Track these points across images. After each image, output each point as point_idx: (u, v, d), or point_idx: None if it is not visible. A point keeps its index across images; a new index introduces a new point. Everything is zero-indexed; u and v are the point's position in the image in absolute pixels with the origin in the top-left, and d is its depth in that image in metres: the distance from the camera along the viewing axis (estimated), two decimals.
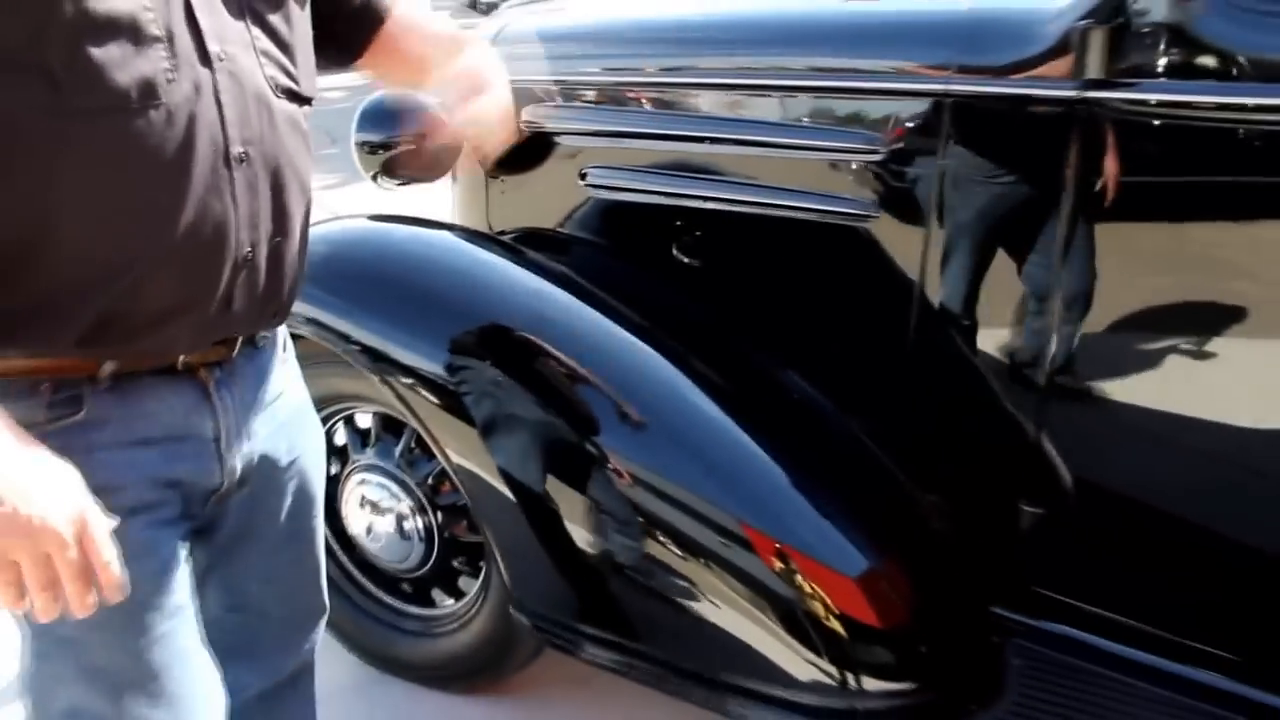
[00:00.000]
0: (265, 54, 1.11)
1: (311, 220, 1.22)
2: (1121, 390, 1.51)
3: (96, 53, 0.96)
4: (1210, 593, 1.56)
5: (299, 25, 1.17)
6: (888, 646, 1.68)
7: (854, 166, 1.72)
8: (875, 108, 1.69)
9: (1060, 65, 1.43)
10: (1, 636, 1.32)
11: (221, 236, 1.07)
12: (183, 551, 1.17)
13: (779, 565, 1.65)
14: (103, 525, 0.99)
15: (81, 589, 0.98)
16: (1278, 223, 1.36)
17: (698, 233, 2.02)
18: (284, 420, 1.29)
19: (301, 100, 1.16)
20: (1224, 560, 1.53)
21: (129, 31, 0.97)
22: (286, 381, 1.31)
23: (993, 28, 1.54)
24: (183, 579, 1.17)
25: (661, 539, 1.69)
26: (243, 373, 1.20)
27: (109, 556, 0.98)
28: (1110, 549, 1.63)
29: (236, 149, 1.06)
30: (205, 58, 1.03)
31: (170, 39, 1.00)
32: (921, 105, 1.61)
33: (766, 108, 1.86)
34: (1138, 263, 1.45)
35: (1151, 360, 1.48)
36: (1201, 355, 1.43)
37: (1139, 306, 1.47)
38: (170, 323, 1.08)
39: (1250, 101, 1.30)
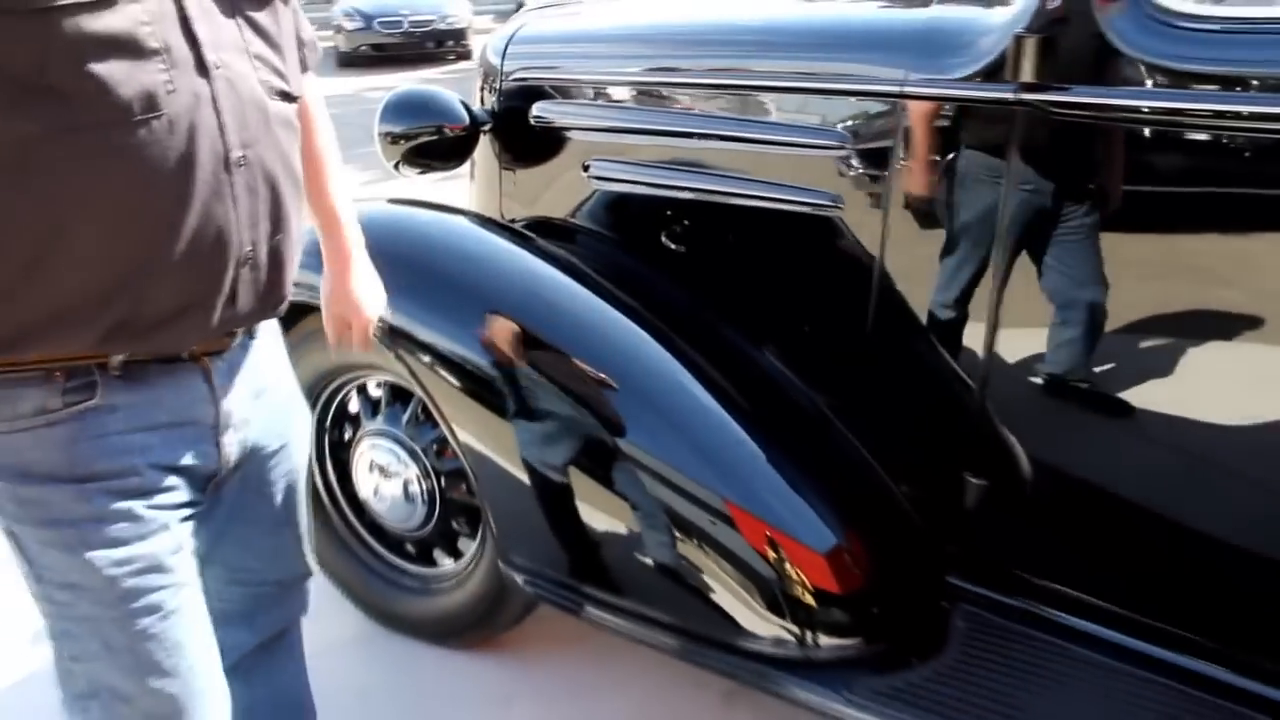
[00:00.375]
0: (258, 58, 1.14)
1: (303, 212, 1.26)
2: (1062, 368, 1.64)
3: (99, 69, 0.98)
4: (1146, 564, 1.67)
5: (285, 23, 1.21)
6: (844, 609, 1.81)
7: (824, 161, 1.85)
8: (842, 107, 1.83)
9: (1000, 70, 1.56)
10: (18, 620, 1.44)
11: (225, 238, 1.11)
12: (189, 532, 1.22)
13: (751, 536, 1.77)
14: None
15: None
16: (1185, 212, 1.48)
17: (687, 221, 2.17)
18: (276, 408, 1.34)
19: (292, 99, 1.20)
20: (1160, 532, 1.64)
21: (128, 47, 1.00)
22: (278, 371, 1.36)
23: (944, 36, 1.67)
24: (191, 559, 1.22)
25: (642, 504, 1.81)
26: (240, 362, 1.25)
27: None
28: (1053, 522, 1.75)
29: (236, 153, 1.10)
30: (203, 67, 1.06)
31: (169, 51, 1.03)
32: (882, 106, 1.75)
33: (748, 107, 2.01)
34: (1070, 245, 1.57)
35: (1089, 338, 1.60)
36: (1137, 332, 1.54)
37: (1074, 286, 1.59)
38: (180, 321, 1.12)
39: (1160, 105, 1.43)
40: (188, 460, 1.19)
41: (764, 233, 2.02)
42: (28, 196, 1.00)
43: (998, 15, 1.61)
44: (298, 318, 2.17)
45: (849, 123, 1.82)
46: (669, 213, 2.19)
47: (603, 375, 1.89)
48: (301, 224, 1.25)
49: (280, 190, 1.17)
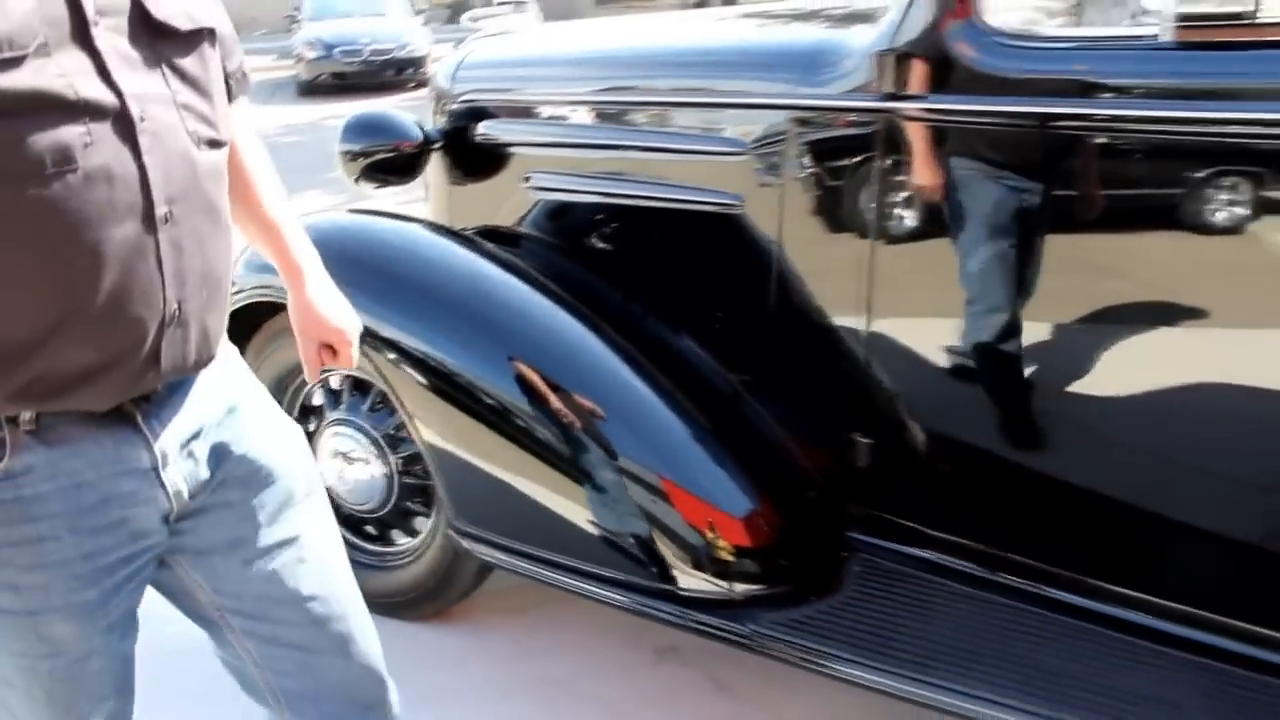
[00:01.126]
0: (186, 107, 1.08)
1: (234, 255, 1.20)
2: (931, 339, 1.90)
3: (8, 124, 0.94)
4: (1012, 507, 1.93)
5: (213, 65, 1.14)
6: (755, 560, 2.05)
7: (728, 166, 2.12)
8: (741, 118, 2.10)
9: (869, 83, 1.84)
10: None
11: (147, 297, 1.05)
12: (129, 590, 1.16)
13: (678, 503, 2.02)
14: None
15: None
16: (1017, 198, 1.76)
17: (615, 224, 2.43)
18: (241, 428, 1.25)
19: (221, 145, 1.14)
20: (1025, 480, 1.90)
21: (42, 101, 0.95)
22: (233, 391, 1.26)
23: (824, 55, 1.95)
24: (124, 620, 1.17)
25: (578, 476, 2.06)
26: (173, 401, 1.16)
27: None
28: (930, 474, 2.01)
29: (161, 209, 1.04)
30: (126, 120, 1.01)
31: (86, 103, 0.98)
32: (776, 116, 2.02)
33: (664, 120, 2.28)
34: (933, 228, 1.84)
35: (954, 311, 1.87)
36: (996, 303, 1.81)
37: (944, 264, 1.85)
38: (98, 379, 1.05)
39: (994, 109, 1.71)
40: (126, 511, 1.12)
41: (679, 231, 2.28)
42: None
43: (866, 36, 1.88)
44: (265, 317, 2.42)
45: (748, 132, 2.08)
46: (600, 218, 2.45)
47: (544, 363, 2.13)
48: (230, 279, 1.20)
49: (208, 246, 1.11)
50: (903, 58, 1.78)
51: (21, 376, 1.01)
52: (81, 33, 0.98)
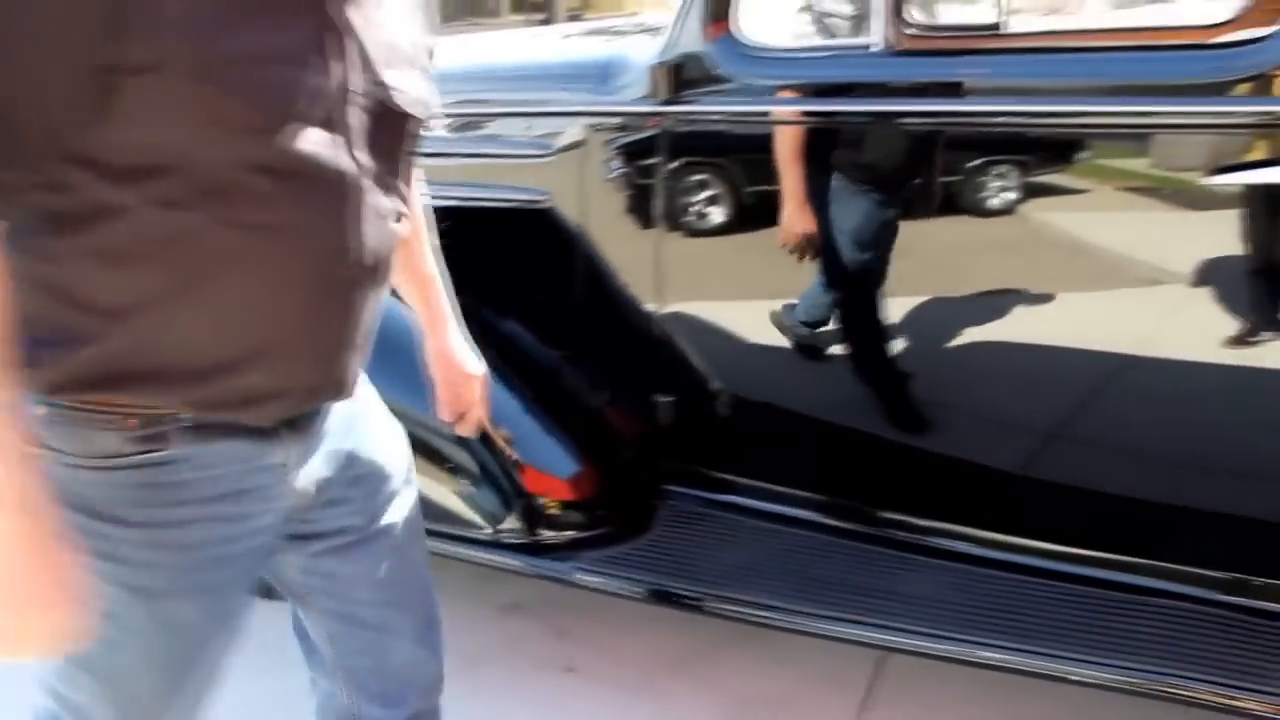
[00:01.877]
0: (392, 188, 1.17)
1: None
2: (715, 310, 2.23)
3: (282, 185, 1.03)
4: (801, 451, 2.27)
5: (412, 156, 1.27)
6: (578, 511, 2.33)
7: (536, 167, 2.42)
8: (549, 125, 2.41)
9: (650, 90, 2.15)
10: None
11: (332, 342, 1.16)
12: (247, 581, 1.24)
13: (510, 464, 2.30)
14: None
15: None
16: (771, 181, 2.09)
17: (444, 223, 2.67)
18: (361, 431, 1.33)
19: (405, 219, 1.23)
20: (809, 427, 2.24)
21: (305, 165, 1.04)
22: (357, 397, 1.31)
23: (615, 66, 2.26)
24: (243, 602, 1.25)
25: (429, 450, 2.24)
26: (309, 413, 1.24)
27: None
28: (730, 429, 2.33)
29: (363, 270, 1.14)
30: (357, 190, 1.10)
31: (334, 173, 1.07)
32: (576, 121, 2.33)
33: (486, 128, 2.57)
34: (708, 215, 2.18)
35: (729, 283, 2.20)
36: (760, 268, 2.16)
37: (719, 246, 2.19)
38: (266, 403, 1.14)
39: (745, 109, 2.06)
40: (253, 505, 1.19)
41: (501, 226, 2.55)
42: (177, 270, 1.03)
43: (648, 49, 2.20)
44: None
45: (555, 136, 2.39)
46: (445, 221, 2.70)
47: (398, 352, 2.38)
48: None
49: (377, 303, 1.20)
50: (674, 68, 2.10)
51: (209, 391, 1.09)
52: (342, 111, 1.08)
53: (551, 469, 2.33)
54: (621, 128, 2.25)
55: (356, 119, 1.09)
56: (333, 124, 1.06)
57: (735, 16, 2.04)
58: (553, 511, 2.31)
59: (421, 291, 1.55)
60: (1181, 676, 1.76)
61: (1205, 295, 1.80)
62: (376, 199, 1.13)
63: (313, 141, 1.04)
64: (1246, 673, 1.75)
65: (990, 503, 2.11)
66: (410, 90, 1.17)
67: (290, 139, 1.02)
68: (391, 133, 1.15)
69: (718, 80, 2.06)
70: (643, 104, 2.18)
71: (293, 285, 1.09)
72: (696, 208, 2.18)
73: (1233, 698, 1.73)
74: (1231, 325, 1.79)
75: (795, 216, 2.05)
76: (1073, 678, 1.83)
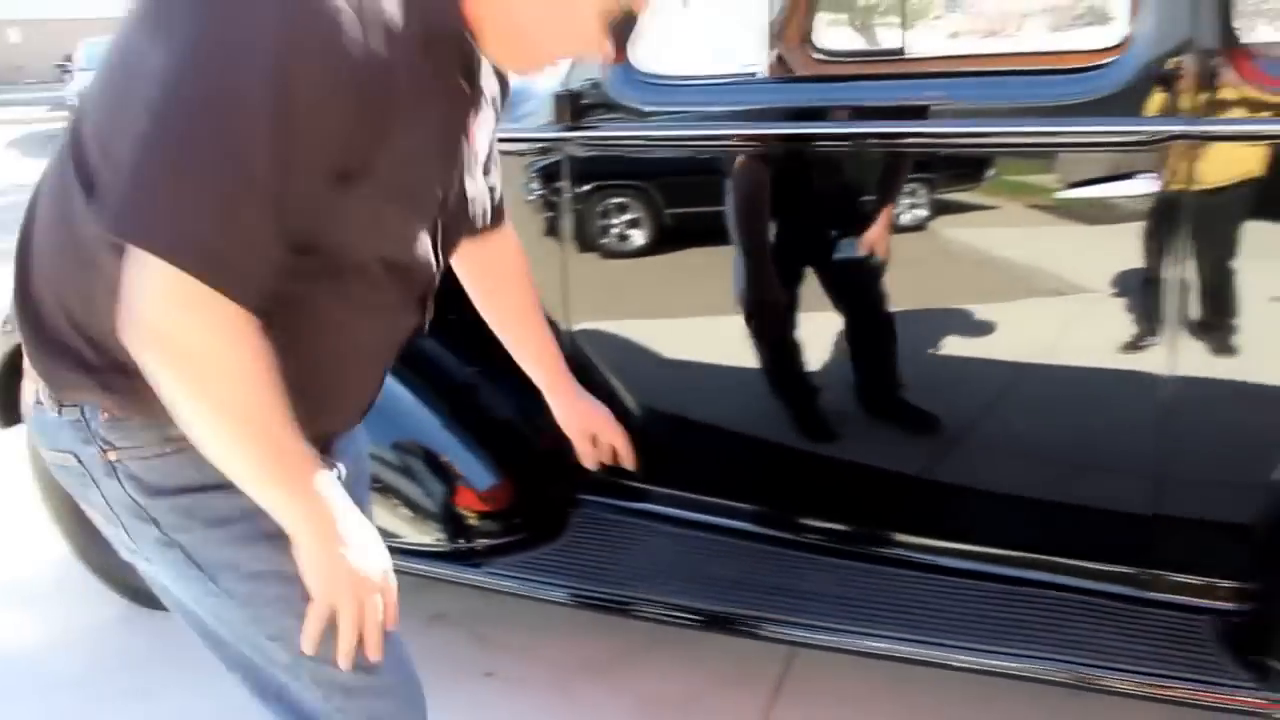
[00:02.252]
0: (454, 256, 1.39)
1: None
2: (622, 326, 2.33)
3: (391, 273, 1.19)
4: (708, 460, 2.39)
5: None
6: (495, 520, 2.43)
7: None
8: None
9: (555, 117, 2.26)
10: None
11: (372, 386, 1.34)
12: None
13: (429, 478, 2.39)
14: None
15: (378, 638, 1.17)
16: (669, 198, 2.23)
17: None
18: (353, 435, 1.47)
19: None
20: (715, 437, 2.35)
21: (416, 260, 1.21)
22: None
23: (520, 94, 2.35)
24: None
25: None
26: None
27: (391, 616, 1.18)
28: (644, 440, 2.41)
29: (421, 326, 1.32)
30: (432, 279, 1.27)
31: (428, 267, 1.24)
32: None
33: None
34: (607, 234, 2.29)
35: (632, 298, 2.31)
36: (674, 285, 2.27)
37: (621, 264, 2.29)
38: (306, 427, 1.17)
39: (638, 134, 2.18)
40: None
41: None
42: (285, 327, 1.10)
43: (552, 78, 2.30)
44: None
45: None
46: None
47: None
48: None
49: None
50: (575, 96, 2.21)
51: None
52: (440, 215, 1.24)
53: (470, 482, 2.42)
54: (530, 153, 2.35)
55: (444, 220, 1.25)
56: (434, 226, 1.23)
57: (632, 46, 2.15)
58: (471, 521, 2.40)
59: (547, 364, 1.71)
60: (1065, 662, 1.90)
61: (1102, 303, 1.93)
62: (440, 270, 1.29)
63: (423, 241, 1.21)
64: (1121, 655, 1.89)
65: (885, 503, 2.24)
66: (479, 198, 1.35)
67: (415, 240, 1.19)
68: (456, 230, 1.32)
69: (613, 107, 2.17)
70: (544, 130, 2.28)
71: (373, 353, 1.28)
72: (601, 228, 2.29)
73: (1099, 679, 1.87)
74: (1119, 331, 1.92)
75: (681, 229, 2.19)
76: (956, 664, 1.95)
